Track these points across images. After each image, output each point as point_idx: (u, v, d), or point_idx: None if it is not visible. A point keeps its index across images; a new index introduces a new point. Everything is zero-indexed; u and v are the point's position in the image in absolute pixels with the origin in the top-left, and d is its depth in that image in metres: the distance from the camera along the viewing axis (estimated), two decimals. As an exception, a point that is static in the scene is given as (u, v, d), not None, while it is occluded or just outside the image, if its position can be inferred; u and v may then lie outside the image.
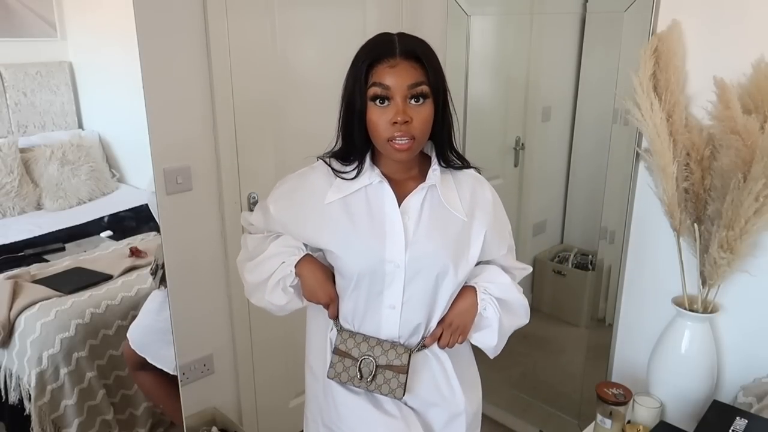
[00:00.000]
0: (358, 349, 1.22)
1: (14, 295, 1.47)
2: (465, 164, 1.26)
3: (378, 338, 1.22)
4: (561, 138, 2.97)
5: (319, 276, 1.23)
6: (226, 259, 2.05)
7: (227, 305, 2.11)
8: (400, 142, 1.11)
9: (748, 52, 1.51)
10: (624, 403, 1.62)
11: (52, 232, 1.56)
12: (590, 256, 2.96)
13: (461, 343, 1.26)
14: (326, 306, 1.25)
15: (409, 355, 1.20)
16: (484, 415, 2.59)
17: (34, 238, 1.51)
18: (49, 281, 1.51)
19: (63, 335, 1.50)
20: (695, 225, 1.62)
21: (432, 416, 1.29)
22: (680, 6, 1.62)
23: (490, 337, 1.27)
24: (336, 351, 1.23)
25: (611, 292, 2.06)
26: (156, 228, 1.68)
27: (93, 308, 1.55)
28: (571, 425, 2.33)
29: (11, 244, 1.48)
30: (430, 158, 1.23)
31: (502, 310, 1.25)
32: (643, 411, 1.63)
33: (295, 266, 1.23)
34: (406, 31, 1.18)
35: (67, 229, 1.59)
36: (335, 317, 1.26)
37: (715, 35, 1.58)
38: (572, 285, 2.99)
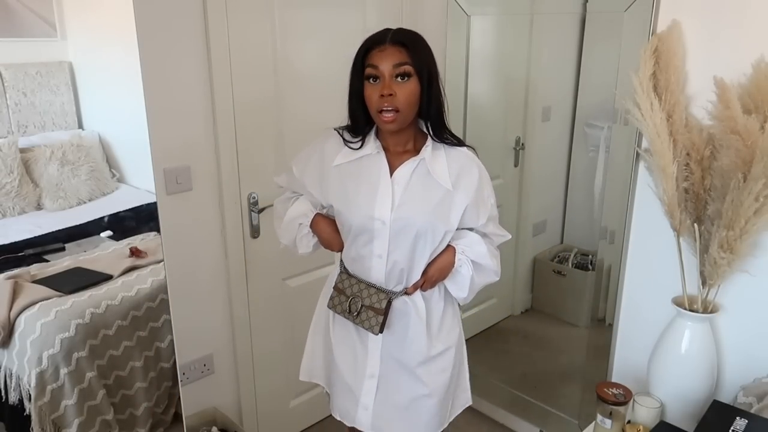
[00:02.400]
0: (351, 289, 1.48)
1: (14, 295, 1.47)
2: (458, 142, 1.45)
3: (368, 282, 1.46)
4: (561, 138, 2.98)
5: (329, 230, 1.52)
6: (226, 259, 2.06)
7: (227, 305, 2.11)
8: (386, 114, 1.33)
9: (748, 52, 1.51)
10: (624, 403, 1.62)
11: (52, 232, 1.56)
12: (590, 256, 2.96)
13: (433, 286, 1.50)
14: (339, 252, 1.53)
15: (388, 301, 1.43)
16: (484, 415, 2.58)
17: (34, 238, 1.51)
18: (49, 281, 1.51)
19: (63, 335, 1.50)
20: (695, 225, 1.62)
21: (406, 353, 1.50)
22: (680, 6, 1.62)
23: (462, 290, 1.50)
24: (335, 287, 1.51)
25: (611, 292, 2.06)
26: (156, 228, 1.68)
27: (93, 308, 1.55)
28: (571, 425, 2.33)
29: (11, 244, 1.48)
30: (427, 136, 1.43)
31: (474, 270, 1.48)
32: (643, 411, 1.63)
33: (310, 225, 1.53)
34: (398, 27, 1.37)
35: (67, 229, 1.58)
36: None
37: (715, 35, 1.58)
38: (572, 285, 2.99)
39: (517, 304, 3.16)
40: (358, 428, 1.55)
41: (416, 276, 1.45)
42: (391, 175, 1.41)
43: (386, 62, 1.32)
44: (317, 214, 1.53)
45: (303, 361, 1.68)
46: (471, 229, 1.49)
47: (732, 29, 1.56)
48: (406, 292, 1.46)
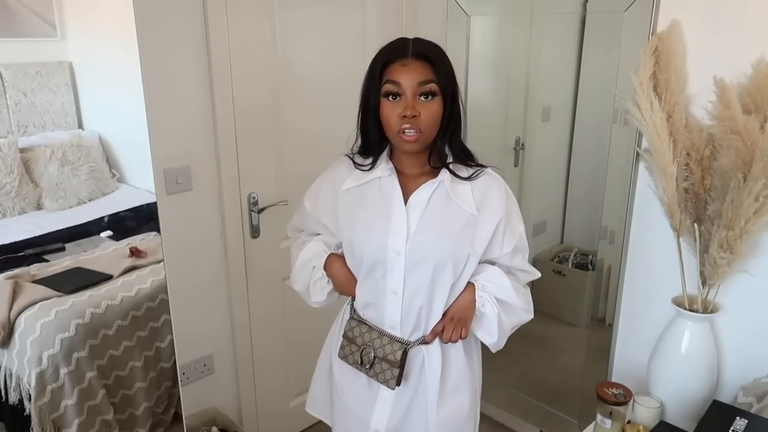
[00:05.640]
0: (362, 337, 1.33)
1: (14, 295, 1.47)
2: (475, 163, 1.30)
3: (381, 330, 1.31)
4: (561, 138, 2.97)
5: (345, 272, 1.36)
6: (226, 259, 2.05)
7: (227, 305, 2.11)
8: (408, 133, 1.19)
9: (748, 52, 1.51)
10: (624, 403, 1.62)
11: (52, 232, 1.56)
12: (590, 256, 2.95)
13: (464, 338, 1.31)
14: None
15: (404, 352, 1.29)
16: (484, 415, 2.59)
17: (34, 238, 1.51)
18: (49, 281, 1.51)
19: (63, 335, 1.50)
20: (695, 225, 1.62)
21: (414, 411, 1.37)
22: (680, 6, 1.62)
23: (489, 333, 1.33)
24: (345, 336, 1.36)
25: (611, 292, 2.06)
26: (156, 228, 1.68)
27: (93, 308, 1.55)
28: (571, 425, 2.33)
29: (11, 244, 1.48)
30: (445, 156, 1.29)
31: (501, 309, 1.31)
32: (643, 411, 1.63)
33: (324, 267, 1.37)
34: (414, 35, 1.25)
35: (67, 229, 1.58)
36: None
37: (716, 35, 1.58)
38: (572, 285, 2.99)
39: (517, 304, 3.15)
40: None
41: (436, 318, 1.30)
42: (406, 199, 1.27)
43: (410, 79, 1.18)
44: (331, 254, 1.38)
45: (309, 392, 1.58)
46: (492, 264, 1.34)
47: (732, 29, 1.56)
48: (424, 341, 1.31)
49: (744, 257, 1.55)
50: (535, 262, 3.10)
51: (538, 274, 1.39)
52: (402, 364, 1.29)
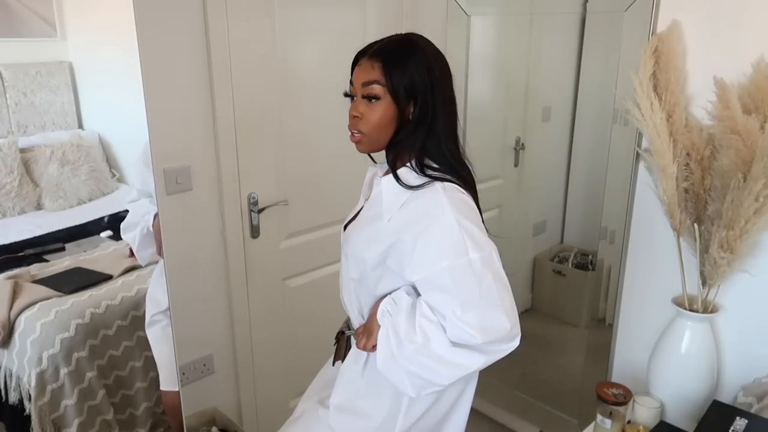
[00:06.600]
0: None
1: (14, 295, 1.47)
2: (435, 176, 1.17)
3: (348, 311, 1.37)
4: (561, 138, 2.97)
5: None
6: (226, 259, 2.05)
7: (227, 305, 2.11)
8: (352, 135, 1.20)
9: (748, 52, 1.51)
10: (624, 403, 1.62)
11: (52, 232, 1.56)
12: (590, 256, 2.96)
13: (368, 349, 1.24)
14: None
15: (341, 333, 1.37)
16: (484, 415, 2.57)
17: (34, 238, 1.52)
18: (49, 281, 1.52)
19: (63, 335, 1.50)
20: (695, 225, 1.62)
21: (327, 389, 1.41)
22: (680, 6, 1.62)
23: (379, 351, 1.20)
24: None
25: (611, 292, 2.06)
26: (156, 228, 1.68)
27: (93, 308, 1.56)
28: (571, 425, 2.33)
29: (11, 244, 1.48)
30: (402, 159, 1.21)
31: (393, 340, 1.16)
32: (643, 411, 1.63)
33: None
34: (408, 32, 1.23)
35: (67, 229, 1.59)
36: None
37: (716, 35, 1.58)
38: (572, 285, 2.99)
39: (517, 304, 3.15)
40: None
41: (354, 314, 1.31)
42: None
43: (357, 79, 1.17)
44: None
45: None
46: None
47: (732, 29, 1.56)
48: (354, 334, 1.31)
49: (744, 257, 1.55)
50: (535, 262, 3.11)
51: (475, 339, 1.12)
52: (337, 341, 1.37)
